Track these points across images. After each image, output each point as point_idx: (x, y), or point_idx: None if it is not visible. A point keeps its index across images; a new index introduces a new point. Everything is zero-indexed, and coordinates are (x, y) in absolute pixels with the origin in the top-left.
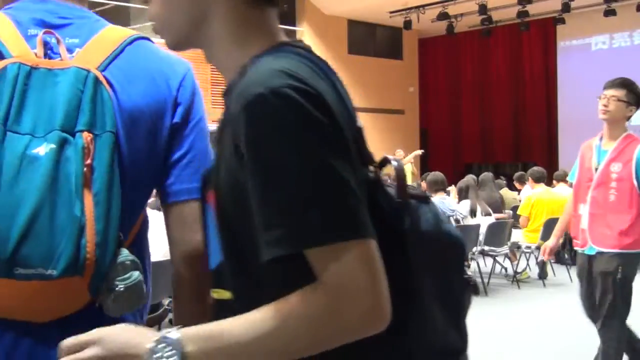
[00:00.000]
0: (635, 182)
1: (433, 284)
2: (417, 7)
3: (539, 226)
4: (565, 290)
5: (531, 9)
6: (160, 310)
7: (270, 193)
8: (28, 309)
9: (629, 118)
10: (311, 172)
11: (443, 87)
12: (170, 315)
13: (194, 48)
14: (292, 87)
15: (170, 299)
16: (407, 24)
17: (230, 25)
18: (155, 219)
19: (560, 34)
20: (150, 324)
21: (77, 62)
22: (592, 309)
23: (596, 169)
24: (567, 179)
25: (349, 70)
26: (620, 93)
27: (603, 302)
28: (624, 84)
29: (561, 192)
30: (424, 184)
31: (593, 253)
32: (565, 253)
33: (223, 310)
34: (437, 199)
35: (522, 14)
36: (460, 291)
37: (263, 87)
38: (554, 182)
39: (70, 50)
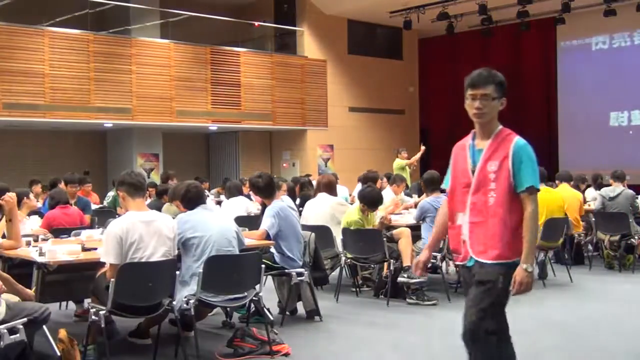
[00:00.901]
0: (512, 181)
1: None
2: (417, 7)
3: (539, 226)
4: (565, 290)
5: (531, 9)
6: (161, 310)
7: None
8: None
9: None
10: None
11: (443, 87)
12: (171, 315)
13: None
14: None
15: (170, 299)
16: (407, 24)
17: None
18: (156, 220)
19: (560, 34)
20: (150, 323)
21: None
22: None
23: (473, 172)
24: (442, 186)
25: (349, 70)
26: (490, 90)
27: (478, 304)
28: (491, 79)
29: (561, 192)
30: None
31: (473, 264)
32: (565, 253)
33: None
34: (432, 198)
35: (522, 14)
36: None
37: None
38: (556, 181)
39: None
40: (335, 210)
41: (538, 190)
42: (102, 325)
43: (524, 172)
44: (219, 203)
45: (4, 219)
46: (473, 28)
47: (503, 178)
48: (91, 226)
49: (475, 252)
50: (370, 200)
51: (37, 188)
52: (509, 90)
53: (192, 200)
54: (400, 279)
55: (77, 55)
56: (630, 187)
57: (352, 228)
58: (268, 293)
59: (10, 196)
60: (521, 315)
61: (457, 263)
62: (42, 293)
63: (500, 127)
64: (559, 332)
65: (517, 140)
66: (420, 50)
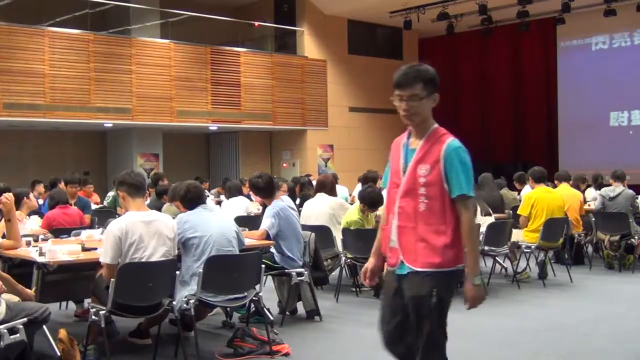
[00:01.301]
0: (446, 187)
1: None
2: (417, 7)
3: (539, 226)
4: (565, 290)
5: (531, 9)
6: (161, 310)
7: None
8: None
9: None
10: None
11: (443, 87)
12: (171, 315)
13: None
14: None
15: (170, 299)
16: (407, 24)
17: None
18: (156, 220)
19: (560, 34)
20: (150, 323)
21: None
22: (396, 340)
23: (404, 172)
24: (380, 184)
25: (349, 70)
26: (418, 89)
27: (420, 333)
28: (418, 77)
29: (561, 192)
30: None
31: (404, 273)
32: (565, 253)
33: None
34: None
35: (522, 14)
36: None
37: None
38: (556, 182)
39: None
40: (333, 210)
41: (471, 197)
42: (102, 325)
43: (456, 178)
44: (219, 203)
45: (3, 220)
46: (473, 28)
47: (435, 183)
48: (91, 226)
49: (408, 259)
50: (370, 200)
51: (40, 188)
52: (509, 90)
53: (192, 200)
54: None
55: (77, 55)
56: (630, 187)
57: (352, 228)
58: (268, 293)
59: (7, 197)
60: (521, 315)
61: (388, 268)
62: (42, 293)
63: (435, 126)
64: (559, 332)
65: (450, 142)
66: (420, 50)
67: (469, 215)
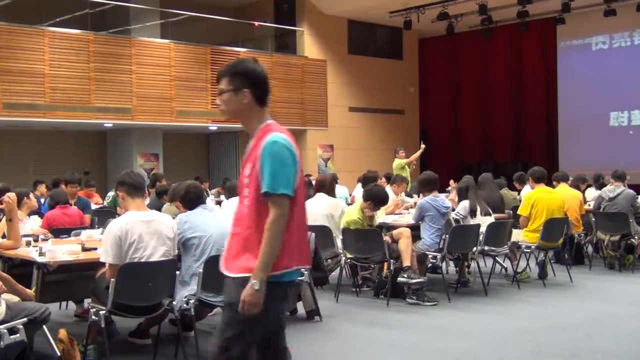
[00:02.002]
0: (261, 185)
1: None
2: (417, 7)
3: (539, 226)
4: (565, 290)
5: (531, 9)
6: (161, 310)
7: None
8: None
9: (262, 104)
10: None
11: (443, 87)
12: (171, 315)
13: None
14: None
15: (170, 299)
16: (407, 24)
17: None
18: (156, 220)
19: (560, 34)
20: (150, 323)
21: None
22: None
23: None
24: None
25: (349, 70)
26: (224, 83)
27: (219, 334)
28: (228, 71)
29: (561, 192)
30: None
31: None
32: (565, 253)
33: None
34: (431, 197)
35: (522, 14)
36: None
37: None
38: (554, 182)
39: None
40: (329, 211)
41: (278, 194)
42: (102, 325)
43: (265, 174)
44: (219, 203)
45: (4, 219)
46: (473, 28)
47: (253, 182)
48: (91, 226)
49: (226, 264)
50: (379, 198)
51: (42, 188)
52: (508, 90)
53: (192, 200)
54: (400, 279)
55: (77, 55)
56: (630, 187)
57: (352, 227)
58: None
59: (10, 196)
60: (521, 315)
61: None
62: (42, 293)
63: (265, 123)
64: (559, 332)
65: (270, 137)
66: (420, 50)
67: (274, 214)
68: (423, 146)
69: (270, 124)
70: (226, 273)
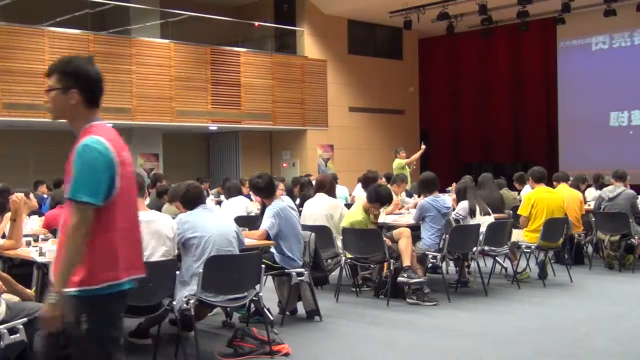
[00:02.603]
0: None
1: None
2: (417, 7)
3: (539, 226)
4: (565, 290)
5: (531, 9)
6: (161, 310)
7: None
8: None
9: (91, 105)
10: None
11: (443, 87)
12: (171, 315)
13: None
14: None
15: (170, 299)
16: (407, 24)
17: None
18: (156, 220)
19: (560, 34)
20: (150, 323)
21: None
22: None
23: None
24: None
25: (349, 70)
26: (52, 80)
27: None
28: (55, 67)
29: (561, 192)
30: None
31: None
32: (565, 253)
33: None
34: (431, 197)
35: (522, 14)
36: None
37: None
38: (554, 182)
39: None
40: (328, 211)
41: (83, 202)
42: None
43: (72, 179)
44: (219, 203)
45: (5, 219)
46: (473, 28)
47: (67, 186)
48: None
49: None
50: (385, 197)
51: (43, 188)
52: (508, 90)
53: (192, 200)
54: (400, 279)
55: (77, 55)
56: (630, 187)
57: (355, 228)
58: (268, 293)
59: (17, 196)
60: (521, 315)
61: None
62: (42, 293)
63: (89, 125)
64: (559, 332)
65: (84, 140)
66: (420, 50)
67: (72, 223)
68: (423, 147)
69: (93, 126)
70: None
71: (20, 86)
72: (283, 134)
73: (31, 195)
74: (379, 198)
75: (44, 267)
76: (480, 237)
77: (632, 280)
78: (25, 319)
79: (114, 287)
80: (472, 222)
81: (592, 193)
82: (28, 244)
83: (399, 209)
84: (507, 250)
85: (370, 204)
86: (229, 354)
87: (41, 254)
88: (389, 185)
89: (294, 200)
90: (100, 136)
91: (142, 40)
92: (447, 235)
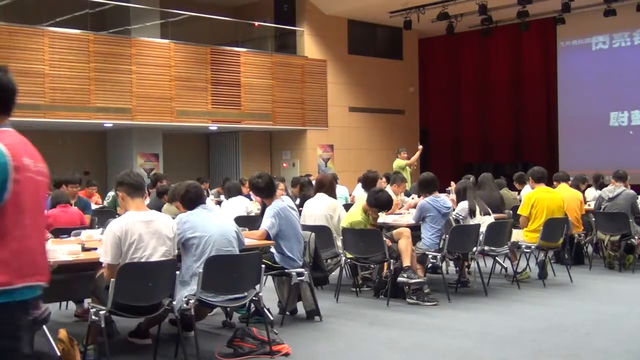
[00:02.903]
0: None
1: None
2: (417, 7)
3: (539, 226)
4: (565, 290)
5: (531, 9)
6: (161, 310)
7: None
8: None
9: (1, 112)
10: None
11: (443, 87)
12: (171, 315)
13: None
14: None
15: (170, 299)
16: (407, 24)
17: None
18: (156, 220)
19: (560, 34)
20: (150, 323)
21: None
22: None
23: None
24: None
25: (349, 70)
26: None
27: None
28: None
29: (561, 192)
30: None
31: None
32: (565, 253)
33: None
34: (431, 198)
35: (522, 14)
36: None
37: None
38: (554, 182)
39: None
40: (328, 212)
41: None
42: (102, 325)
43: None
44: (219, 203)
45: None
46: (473, 28)
47: None
48: (91, 226)
49: None
50: (384, 203)
51: None
52: (508, 90)
53: (192, 200)
54: (400, 279)
55: (77, 55)
56: (630, 187)
57: (355, 228)
58: (268, 293)
59: None
60: (521, 315)
61: None
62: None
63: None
64: (559, 332)
65: None
66: (420, 50)
67: None
68: (420, 147)
69: (2, 132)
70: None
71: (20, 86)
72: (283, 134)
73: None
74: (377, 204)
75: None
76: (480, 237)
77: (632, 280)
78: None
79: (9, 295)
80: (472, 222)
81: (592, 193)
82: None
83: (399, 209)
84: (507, 250)
85: (369, 207)
86: (229, 354)
87: None
88: (389, 186)
89: (294, 200)
90: None
91: (142, 40)
92: (447, 236)
